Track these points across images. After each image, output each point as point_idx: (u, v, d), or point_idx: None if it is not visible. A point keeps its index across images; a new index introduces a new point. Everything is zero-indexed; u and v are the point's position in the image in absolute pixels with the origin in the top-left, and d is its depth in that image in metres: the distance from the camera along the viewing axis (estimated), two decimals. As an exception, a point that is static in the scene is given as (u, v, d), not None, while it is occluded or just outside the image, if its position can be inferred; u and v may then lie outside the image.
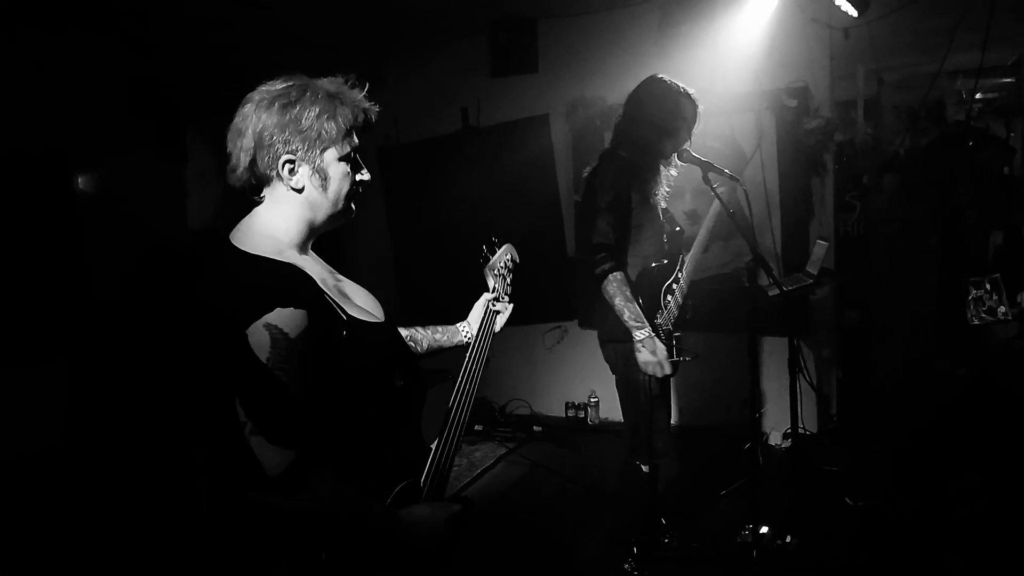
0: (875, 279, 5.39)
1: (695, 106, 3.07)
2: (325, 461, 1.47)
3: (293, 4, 4.74)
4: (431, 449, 1.76)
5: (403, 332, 2.08)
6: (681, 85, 3.08)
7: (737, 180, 3.11)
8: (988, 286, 4.26)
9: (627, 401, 3.22)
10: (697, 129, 3.14)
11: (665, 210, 3.25)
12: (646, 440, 3.14)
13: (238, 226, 1.62)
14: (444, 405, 1.84)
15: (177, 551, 3.43)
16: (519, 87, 5.55)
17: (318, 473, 1.44)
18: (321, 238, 1.73)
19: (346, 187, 1.62)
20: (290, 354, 1.41)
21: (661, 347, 2.95)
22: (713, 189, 3.08)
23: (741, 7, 4.60)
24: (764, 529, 3.41)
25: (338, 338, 1.53)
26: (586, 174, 3.21)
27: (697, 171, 3.10)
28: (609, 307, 3.04)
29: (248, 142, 1.56)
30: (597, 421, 5.48)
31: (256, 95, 1.58)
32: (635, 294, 3.02)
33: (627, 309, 2.95)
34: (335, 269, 1.79)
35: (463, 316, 2.28)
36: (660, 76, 3.12)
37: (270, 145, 1.55)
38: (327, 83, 1.60)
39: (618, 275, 2.96)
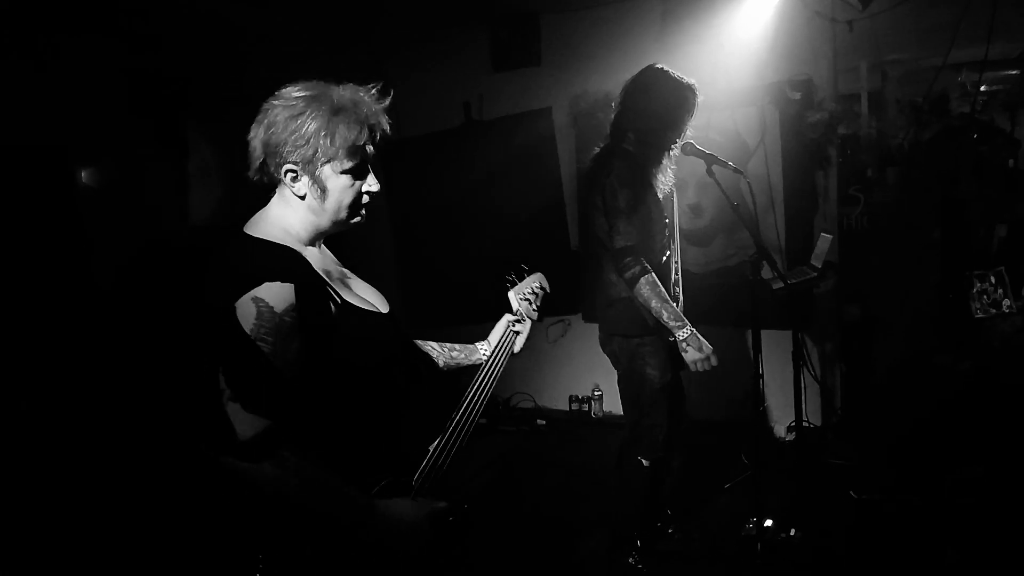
0: (878, 272, 5.38)
1: (696, 97, 3.05)
2: (309, 443, 1.51)
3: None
4: (428, 451, 1.76)
5: (419, 348, 2.09)
6: (684, 77, 3.04)
7: (741, 173, 3.11)
8: (993, 279, 4.25)
9: (629, 396, 3.22)
10: (697, 121, 3.12)
11: (666, 199, 3.23)
12: (648, 435, 3.14)
13: (253, 217, 1.70)
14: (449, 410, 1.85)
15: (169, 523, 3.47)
16: (522, 81, 5.54)
17: (290, 448, 1.48)
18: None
19: (347, 199, 1.65)
20: (273, 327, 1.47)
21: (706, 341, 2.94)
22: (717, 182, 3.07)
23: (744, 0, 4.59)
24: (768, 522, 3.41)
25: (330, 320, 1.57)
26: (589, 168, 3.19)
27: (701, 164, 3.09)
28: (612, 302, 3.04)
29: (258, 146, 1.62)
30: (601, 414, 5.48)
31: (273, 100, 1.63)
32: None
33: (665, 310, 2.91)
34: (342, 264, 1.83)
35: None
36: (660, 67, 3.07)
37: (275, 153, 1.60)
38: (340, 93, 1.61)
39: (649, 277, 2.90)
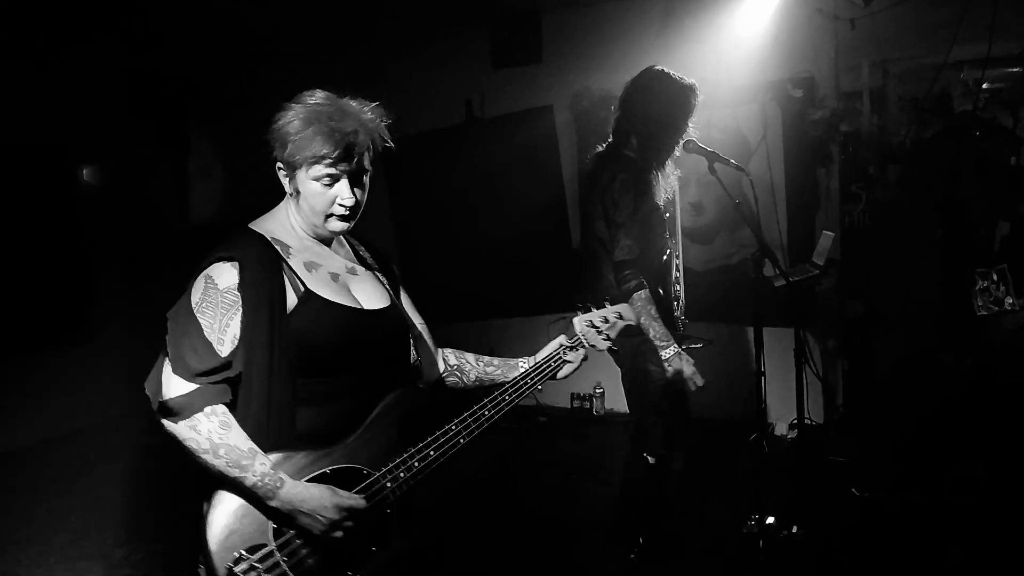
0: (880, 270, 5.38)
1: (697, 97, 3.02)
2: (250, 411, 1.64)
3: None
4: (407, 450, 1.77)
5: (451, 360, 2.08)
6: (682, 77, 3.01)
7: (743, 171, 3.10)
8: (995, 277, 4.24)
9: (634, 393, 3.22)
10: (699, 119, 3.10)
11: (668, 201, 3.20)
12: (652, 431, 3.15)
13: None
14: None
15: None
16: (523, 78, 5.55)
17: (215, 412, 1.61)
18: None
19: (319, 205, 1.73)
20: (214, 302, 1.63)
21: (688, 361, 2.93)
22: (719, 180, 3.06)
23: (746, -3, 4.59)
24: (770, 520, 3.41)
25: (283, 304, 1.67)
26: (590, 169, 3.18)
27: (703, 162, 3.09)
28: (613, 301, 3.03)
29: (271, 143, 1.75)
30: (602, 412, 5.49)
31: (291, 100, 1.74)
32: (653, 293, 3.00)
33: (652, 328, 2.91)
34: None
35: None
36: (659, 68, 3.04)
37: (270, 148, 1.74)
38: (323, 105, 1.70)
39: (644, 293, 2.90)
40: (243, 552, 1.58)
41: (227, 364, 1.63)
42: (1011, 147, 4.96)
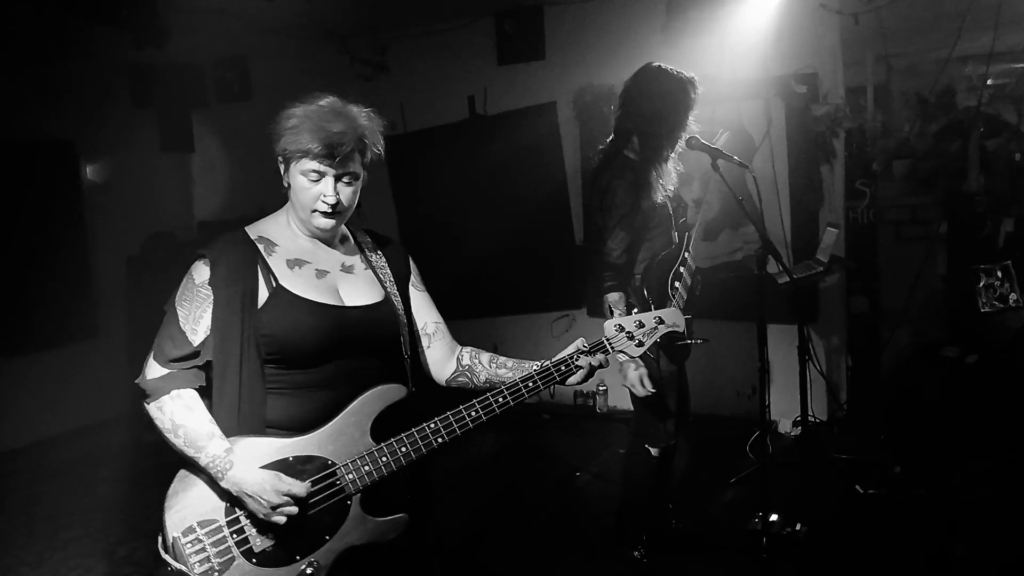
0: (884, 266, 5.37)
1: (697, 90, 2.99)
2: (221, 396, 1.76)
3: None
4: (379, 445, 1.78)
5: (465, 360, 2.04)
6: (682, 72, 2.99)
7: (746, 167, 3.08)
8: (999, 273, 4.23)
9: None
10: (702, 115, 3.07)
11: (670, 197, 3.16)
12: (655, 424, 3.13)
13: None
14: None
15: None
16: (526, 74, 5.53)
17: (182, 396, 1.76)
18: None
19: (305, 199, 1.80)
20: (190, 295, 1.80)
21: (645, 370, 2.89)
22: (722, 176, 3.04)
23: (749, -8, 4.56)
24: (774, 516, 3.40)
25: (253, 298, 1.77)
26: (595, 168, 3.16)
27: (706, 158, 3.07)
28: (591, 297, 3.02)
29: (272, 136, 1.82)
30: (605, 409, 5.48)
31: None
32: (644, 287, 2.99)
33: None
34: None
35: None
36: (657, 64, 3.01)
37: (273, 145, 1.82)
38: (314, 106, 1.78)
39: (614, 296, 2.93)
40: (195, 524, 1.71)
41: (196, 352, 1.78)
42: (1015, 143, 4.95)
